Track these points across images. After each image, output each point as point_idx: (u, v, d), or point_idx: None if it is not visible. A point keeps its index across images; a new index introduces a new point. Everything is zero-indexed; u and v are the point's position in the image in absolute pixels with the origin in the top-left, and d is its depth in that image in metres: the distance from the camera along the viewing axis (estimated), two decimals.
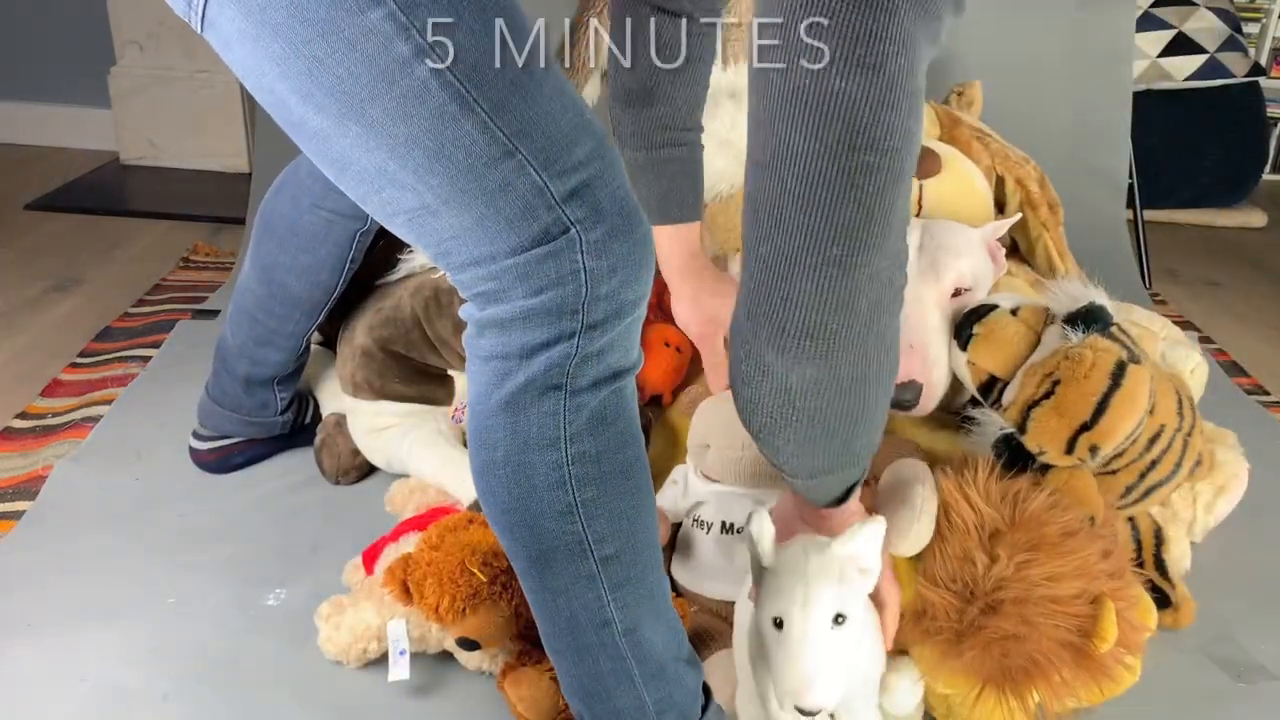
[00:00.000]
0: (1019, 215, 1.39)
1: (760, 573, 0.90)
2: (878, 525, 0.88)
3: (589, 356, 0.77)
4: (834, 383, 0.76)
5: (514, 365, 0.77)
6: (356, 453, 1.46)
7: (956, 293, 1.20)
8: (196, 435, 1.47)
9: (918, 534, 0.98)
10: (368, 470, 1.48)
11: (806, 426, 0.79)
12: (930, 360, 1.16)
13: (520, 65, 0.72)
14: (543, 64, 0.74)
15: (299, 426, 1.53)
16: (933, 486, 1.01)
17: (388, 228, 0.79)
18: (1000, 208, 1.57)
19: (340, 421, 1.48)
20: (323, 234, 1.30)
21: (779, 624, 0.87)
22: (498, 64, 0.71)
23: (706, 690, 0.94)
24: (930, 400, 1.17)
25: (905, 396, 1.16)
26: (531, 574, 0.84)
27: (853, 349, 0.74)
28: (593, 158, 0.74)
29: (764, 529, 0.88)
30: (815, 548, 0.88)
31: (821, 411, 0.78)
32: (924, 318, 1.18)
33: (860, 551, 0.88)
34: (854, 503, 0.93)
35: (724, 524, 1.17)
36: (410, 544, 1.14)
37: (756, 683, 0.94)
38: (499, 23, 0.72)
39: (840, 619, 0.87)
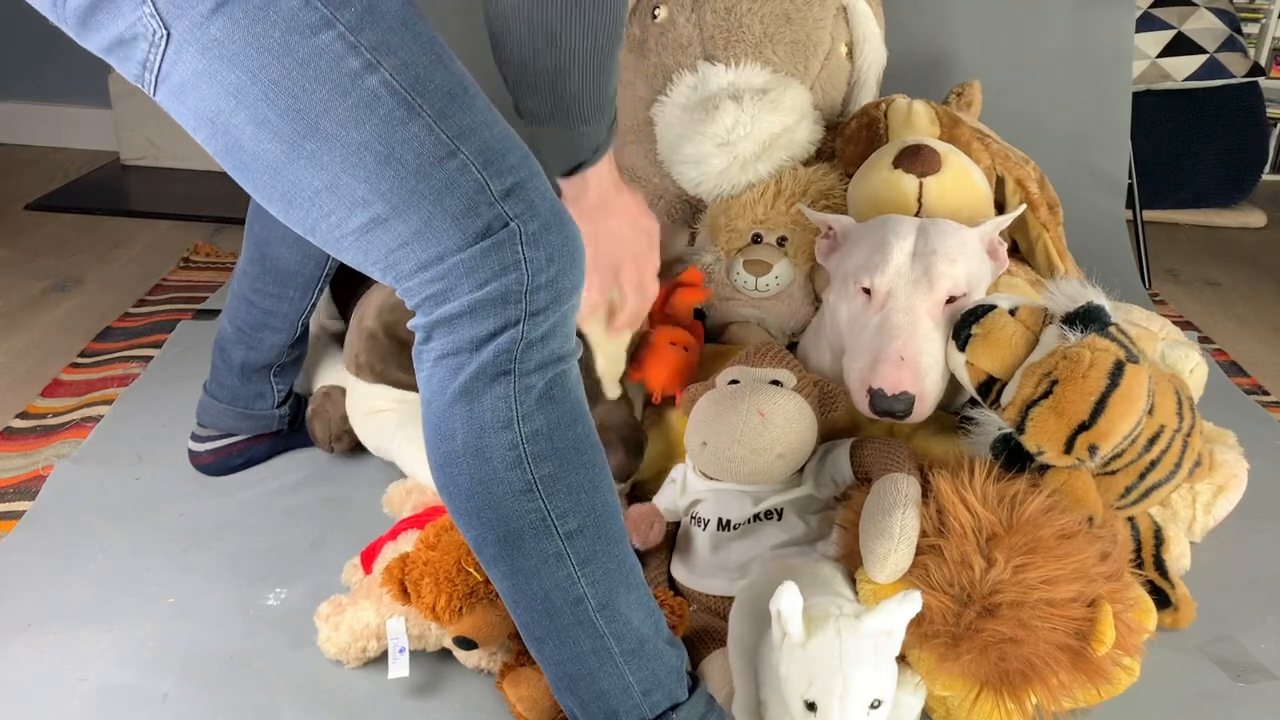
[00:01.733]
0: (1022, 207, 1.38)
1: (784, 643, 0.90)
2: (912, 603, 0.89)
3: (533, 342, 0.82)
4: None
5: (465, 358, 0.82)
6: (346, 418, 1.48)
7: (951, 299, 1.21)
8: (195, 437, 1.47)
9: (895, 563, 0.98)
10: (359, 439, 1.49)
11: (521, 30, 0.89)
12: (922, 371, 1.16)
13: (454, 81, 0.81)
14: (472, 82, 0.82)
15: (297, 428, 1.53)
16: (916, 510, 1.00)
17: (338, 257, 0.85)
18: (1000, 209, 1.57)
19: (330, 392, 1.50)
20: None
21: (811, 707, 0.88)
22: (437, 78, 0.79)
23: (694, 676, 0.95)
24: (924, 410, 1.18)
25: (897, 407, 1.16)
26: (502, 559, 0.87)
27: None
28: (523, 163, 0.83)
29: (794, 605, 0.88)
30: (848, 628, 0.88)
31: (529, 14, 0.87)
32: (916, 328, 1.18)
33: (892, 625, 0.89)
34: (581, 186, 1.04)
35: (720, 520, 1.17)
36: (409, 542, 1.14)
37: (760, 692, 0.94)
38: (433, 44, 0.81)
39: (877, 704, 0.88)
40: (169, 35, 0.77)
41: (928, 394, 1.17)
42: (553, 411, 0.84)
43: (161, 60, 0.78)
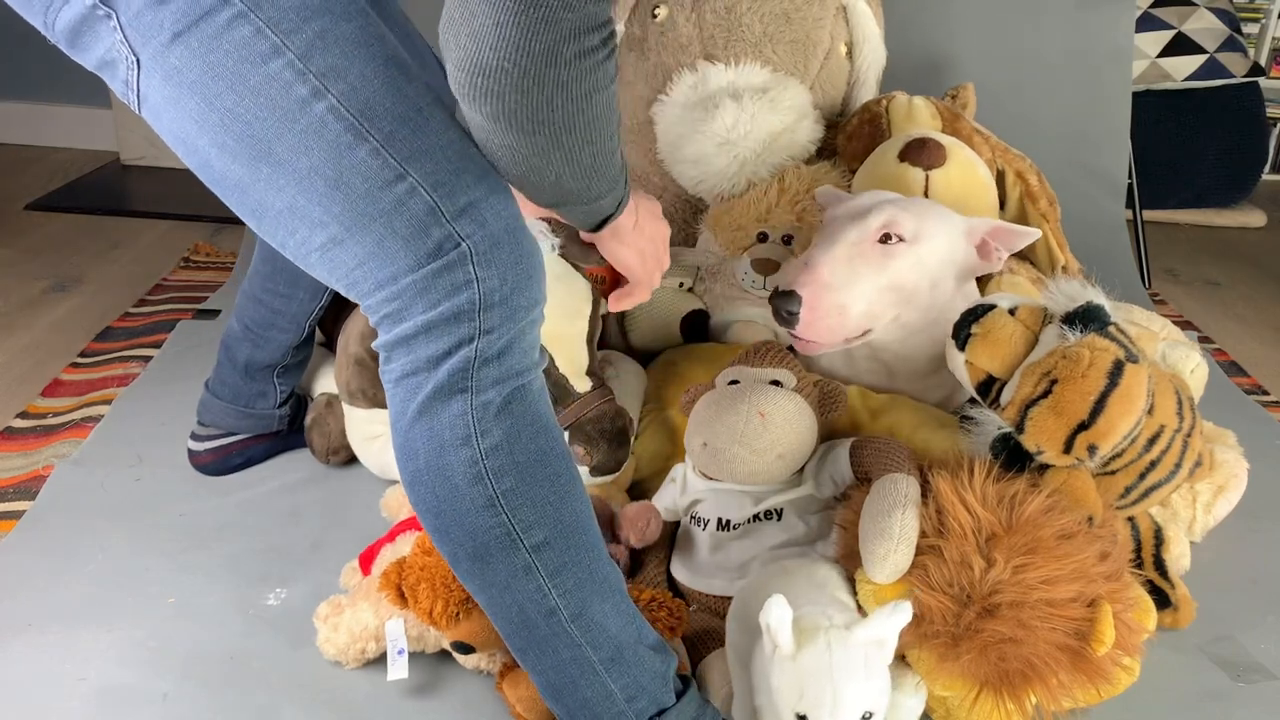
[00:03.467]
0: (1037, 233, 1.36)
1: (774, 655, 0.90)
2: (903, 613, 0.89)
3: (489, 360, 0.83)
4: (516, 126, 0.78)
5: (423, 378, 0.84)
6: (345, 432, 1.47)
7: (886, 238, 1.22)
8: (195, 436, 1.47)
9: (895, 564, 0.98)
10: None
11: (511, 165, 0.83)
12: (822, 281, 1.18)
13: (408, 104, 0.81)
14: (431, 103, 0.82)
15: (297, 427, 1.53)
16: (915, 510, 1.00)
17: (309, 271, 0.87)
18: (1000, 203, 1.57)
19: (331, 401, 1.49)
20: None
21: (803, 719, 0.87)
22: (387, 101, 0.80)
23: (686, 679, 0.96)
24: (815, 324, 1.19)
25: (784, 304, 1.18)
26: (475, 574, 0.88)
27: (530, 94, 0.76)
28: (479, 182, 0.83)
29: (783, 618, 0.87)
30: (838, 639, 0.88)
31: (518, 152, 0.81)
32: (833, 243, 1.21)
33: (884, 635, 0.89)
34: (615, 226, 1.00)
35: (720, 520, 1.17)
36: (407, 544, 1.14)
37: (754, 696, 0.94)
38: (388, 67, 0.81)
39: (868, 716, 0.88)
40: (138, 61, 0.80)
41: (825, 308, 1.18)
42: (512, 426, 0.85)
43: (138, 82, 0.82)
